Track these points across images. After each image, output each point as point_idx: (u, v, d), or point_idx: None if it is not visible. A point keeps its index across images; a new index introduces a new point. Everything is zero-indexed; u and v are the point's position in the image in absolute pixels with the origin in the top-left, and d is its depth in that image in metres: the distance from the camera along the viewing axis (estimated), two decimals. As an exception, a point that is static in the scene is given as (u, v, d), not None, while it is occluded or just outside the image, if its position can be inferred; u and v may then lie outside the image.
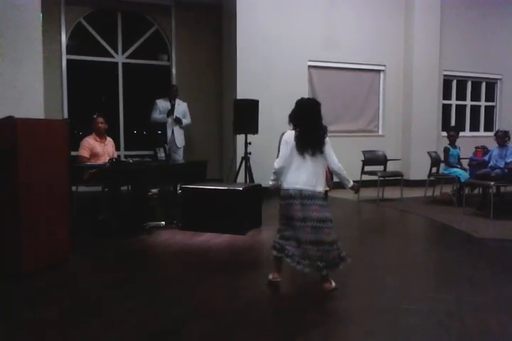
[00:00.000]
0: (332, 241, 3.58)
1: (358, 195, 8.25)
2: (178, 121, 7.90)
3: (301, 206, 3.56)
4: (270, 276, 3.81)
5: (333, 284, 3.68)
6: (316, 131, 3.65)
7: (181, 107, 8.12)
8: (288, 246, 3.65)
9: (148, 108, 8.08)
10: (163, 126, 7.04)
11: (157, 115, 7.89)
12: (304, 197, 3.56)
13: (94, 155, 6.22)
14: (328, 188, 5.06)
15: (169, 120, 7.79)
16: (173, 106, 7.98)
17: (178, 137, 7.99)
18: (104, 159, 6.16)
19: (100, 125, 6.36)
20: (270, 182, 3.78)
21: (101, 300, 3.48)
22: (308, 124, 3.64)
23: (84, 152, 6.16)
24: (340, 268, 3.63)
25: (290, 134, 3.67)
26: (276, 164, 3.68)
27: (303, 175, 3.59)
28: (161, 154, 7.03)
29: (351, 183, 3.77)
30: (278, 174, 3.69)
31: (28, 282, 3.80)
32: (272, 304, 3.50)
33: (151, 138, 6.74)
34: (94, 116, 6.45)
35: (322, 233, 3.55)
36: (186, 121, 8.10)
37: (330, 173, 5.17)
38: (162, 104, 7.96)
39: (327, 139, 3.67)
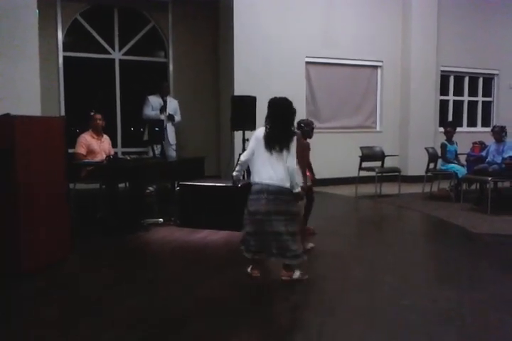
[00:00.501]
0: (292, 232, 3.73)
1: (355, 191, 8.29)
2: (171, 118, 7.92)
3: (267, 201, 3.71)
4: (248, 270, 3.90)
5: (297, 274, 3.78)
6: (284, 129, 3.78)
7: (172, 104, 8.14)
8: (252, 241, 3.81)
9: (143, 103, 8.05)
10: (160, 123, 7.02)
11: (150, 111, 7.89)
12: (270, 192, 3.71)
13: (90, 152, 6.20)
14: (309, 182, 5.01)
15: (162, 116, 7.78)
16: (165, 102, 7.98)
17: (171, 134, 8.02)
18: (100, 156, 6.14)
19: (98, 122, 6.35)
20: (234, 173, 4.03)
21: (100, 300, 3.48)
22: (277, 123, 3.78)
23: (81, 149, 6.14)
24: (297, 263, 3.77)
25: (261, 131, 3.86)
26: (243, 156, 3.91)
27: (270, 171, 3.73)
28: (158, 151, 7.04)
29: (298, 190, 3.83)
30: (242, 166, 3.99)
31: (28, 282, 3.80)
32: (271, 302, 3.50)
33: (149, 135, 6.71)
34: (92, 113, 6.43)
35: (282, 225, 3.70)
36: (177, 118, 8.14)
37: (309, 167, 5.15)
38: (154, 100, 7.97)
39: (294, 139, 3.81)
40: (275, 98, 3.90)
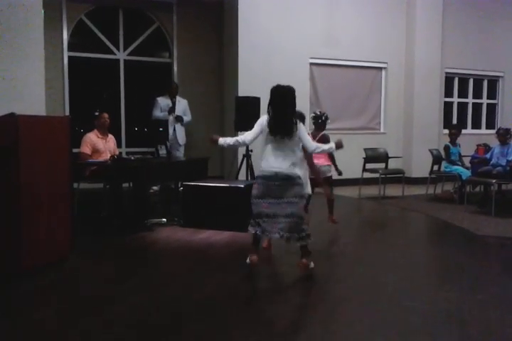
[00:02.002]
0: (299, 216, 3.84)
1: (359, 193, 8.27)
2: (179, 120, 7.91)
3: (278, 186, 3.80)
4: (248, 259, 3.90)
5: (312, 264, 3.88)
6: (285, 117, 3.83)
7: (182, 104, 8.12)
8: (262, 222, 3.85)
9: (150, 105, 8.08)
10: (165, 123, 7.03)
11: (158, 113, 7.89)
12: (279, 178, 3.79)
13: (95, 151, 6.21)
14: (316, 174, 5.09)
15: (170, 118, 7.78)
16: (174, 103, 7.98)
17: (180, 134, 8.01)
18: (105, 156, 6.16)
19: (106, 120, 6.36)
20: (221, 141, 4.05)
21: (101, 299, 3.47)
22: (277, 110, 3.86)
23: (85, 148, 6.15)
24: (308, 242, 3.86)
25: (264, 118, 3.93)
26: (244, 137, 3.96)
27: (278, 158, 3.82)
28: (163, 151, 7.05)
29: (333, 146, 4.06)
30: (237, 145, 4.11)
31: (29, 280, 3.80)
32: (273, 303, 3.50)
33: (152, 135, 6.72)
34: (96, 113, 6.45)
35: (295, 207, 3.82)
36: (187, 118, 8.11)
37: (310, 159, 5.19)
38: (163, 101, 7.97)
39: (300, 125, 3.87)
40: (277, 85, 3.98)
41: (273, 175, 3.80)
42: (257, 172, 3.99)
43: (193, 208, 5.75)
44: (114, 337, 2.88)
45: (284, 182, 3.79)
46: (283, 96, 3.90)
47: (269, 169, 3.82)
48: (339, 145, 4.15)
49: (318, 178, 5.09)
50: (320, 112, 5.66)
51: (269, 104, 3.93)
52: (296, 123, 3.84)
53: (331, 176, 5.60)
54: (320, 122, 5.53)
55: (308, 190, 4.75)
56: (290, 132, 3.80)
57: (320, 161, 5.29)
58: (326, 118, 5.60)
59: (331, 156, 5.49)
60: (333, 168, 5.60)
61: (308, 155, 4.73)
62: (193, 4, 9.36)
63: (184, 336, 2.90)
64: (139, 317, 3.15)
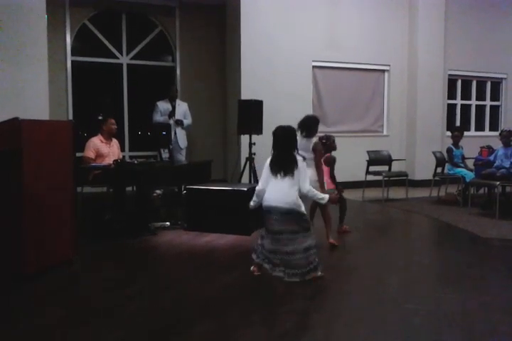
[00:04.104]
0: (307, 247, 3.86)
1: (362, 195, 8.26)
2: (179, 123, 7.90)
3: (276, 221, 3.87)
4: (252, 269, 4.07)
5: (319, 272, 3.92)
6: (287, 156, 3.98)
7: (182, 108, 8.12)
8: (267, 253, 3.95)
9: (153, 109, 8.09)
10: (167, 127, 7.04)
11: (159, 117, 7.88)
12: (278, 213, 3.86)
13: (99, 155, 6.23)
14: (335, 192, 5.12)
15: (171, 121, 7.79)
16: (173, 107, 7.98)
17: (181, 138, 8.01)
18: (109, 160, 6.17)
19: (113, 126, 6.37)
20: (251, 203, 4.13)
21: (103, 302, 3.48)
22: (279, 150, 4.02)
23: (89, 153, 6.17)
24: (317, 274, 3.91)
25: (269, 159, 4.08)
26: (258, 186, 4.08)
27: (277, 194, 3.89)
28: (166, 155, 7.06)
29: (326, 198, 4.09)
30: (258, 196, 4.05)
31: (31, 283, 3.81)
32: (277, 305, 3.49)
33: (155, 139, 6.74)
34: (100, 118, 6.46)
35: (296, 243, 3.84)
36: (187, 121, 8.11)
37: (331, 177, 5.38)
38: (163, 105, 7.96)
39: (301, 164, 3.96)
40: (277, 127, 4.08)
41: (272, 210, 3.87)
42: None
43: (197, 211, 5.76)
44: (118, 339, 2.87)
45: (283, 216, 3.84)
46: (282, 137, 4.02)
47: (269, 203, 3.90)
48: (333, 201, 4.35)
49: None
50: (325, 136, 5.61)
51: (272, 145, 4.07)
52: (296, 163, 3.93)
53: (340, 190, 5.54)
54: (324, 144, 5.52)
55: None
56: (290, 171, 3.90)
57: (326, 181, 5.22)
58: (328, 140, 5.51)
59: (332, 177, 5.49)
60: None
61: (319, 172, 4.94)
62: (195, 8, 9.40)
63: (188, 337, 2.90)
64: (142, 320, 3.14)
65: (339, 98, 9.82)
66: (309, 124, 5.05)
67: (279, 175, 3.92)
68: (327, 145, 5.45)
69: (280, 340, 2.91)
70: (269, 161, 4.04)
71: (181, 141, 8.01)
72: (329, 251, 4.89)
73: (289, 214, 3.84)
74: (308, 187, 3.95)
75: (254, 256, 4.03)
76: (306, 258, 3.85)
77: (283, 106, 8.48)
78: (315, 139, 5.10)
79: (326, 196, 4.12)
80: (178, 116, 7.94)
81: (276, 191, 3.90)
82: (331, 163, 5.49)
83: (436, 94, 10.35)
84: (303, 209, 3.92)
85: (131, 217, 5.69)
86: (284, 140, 4.02)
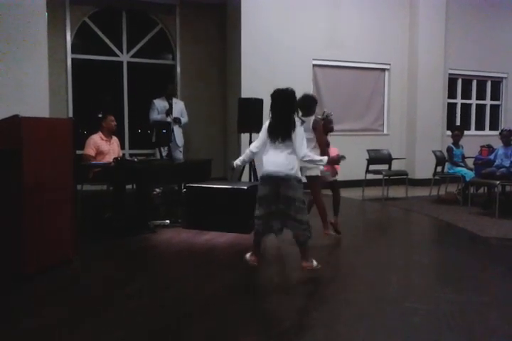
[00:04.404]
0: (299, 220, 3.82)
1: (362, 194, 8.26)
2: (177, 121, 7.88)
3: (275, 186, 3.81)
4: (247, 256, 4.03)
5: (315, 264, 3.91)
6: (285, 120, 3.85)
7: (178, 106, 8.11)
8: (261, 224, 3.91)
9: (149, 107, 8.05)
10: (167, 125, 7.03)
11: (156, 115, 7.85)
12: (275, 178, 3.80)
13: (99, 153, 6.22)
14: (333, 177, 5.09)
15: (168, 119, 7.77)
16: (170, 105, 7.96)
17: (178, 136, 8.00)
18: (109, 158, 6.16)
19: (112, 123, 6.36)
20: (237, 162, 4.09)
21: (103, 301, 3.48)
22: (276, 114, 3.90)
23: (90, 150, 6.16)
24: (304, 244, 3.90)
25: (267, 123, 3.96)
26: (253, 148, 4.00)
27: (275, 159, 3.82)
28: (165, 153, 7.06)
29: (325, 160, 3.95)
30: (248, 156, 4.05)
31: (31, 283, 3.80)
32: (276, 303, 3.50)
33: (156, 137, 6.73)
34: (100, 115, 6.45)
35: (291, 209, 3.82)
36: (184, 119, 8.10)
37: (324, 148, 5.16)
38: (159, 103, 7.93)
39: (297, 129, 3.84)
40: (276, 90, 3.99)
41: (270, 176, 3.82)
42: (260, 174, 3.99)
43: (196, 210, 5.76)
44: (117, 338, 2.87)
45: (281, 182, 3.79)
46: (280, 100, 3.93)
47: (267, 168, 3.85)
48: (334, 161, 4.16)
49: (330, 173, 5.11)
50: (320, 116, 5.39)
51: (270, 108, 3.97)
52: (294, 126, 3.84)
53: (335, 180, 5.47)
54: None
55: (316, 171, 4.79)
56: (288, 134, 3.81)
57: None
58: (325, 120, 5.30)
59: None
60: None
61: (323, 150, 4.82)
62: (195, 6, 9.39)
63: (186, 338, 2.90)
64: (141, 319, 3.14)
65: (339, 97, 9.82)
66: (308, 104, 4.92)
67: (277, 141, 3.83)
68: (324, 123, 5.25)
69: (280, 339, 2.91)
70: (267, 125, 3.92)
71: (179, 139, 8.01)
72: (329, 250, 4.88)
73: (288, 180, 3.78)
74: (304, 152, 3.83)
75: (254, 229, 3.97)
76: (296, 229, 3.85)
77: (283, 104, 8.46)
78: (313, 117, 4.95)
79: (325, 158, 3.99)
80: (175, 114, 7.91)
81: (275, 157, 3.83)
82: (328, 145, 5.29)
83: (437, 93, 10.34)
84: (300, 175, 3.88)
85: (130, 215, 5.69)
86: (283, 103, 3.90)
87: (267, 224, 3.91)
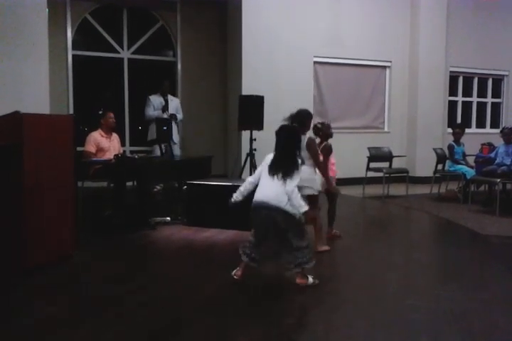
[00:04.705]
0: (298, 247, 3.66)
1: (363, 192, 8.26)
2: (173, 118, 7.86)
3: (265, 216, 3.65)
4: (233, 272, 3.82)
5: (310, 280, 3.72)
6: (288, 158, 3.74)
7: (174, 103, 8.09)
8: (253, 250, 3.75)
9: (145, 103, 8.02)
10: (168, 122, 7.02)
11: (152, 111, 7.82)
12: (266, 208, 3.64)
13: (100, 150, 6.22)
14: (331, 185, 5.03)
15: (164, 116, 7.74)
16: (166, 101, 7.94)
17: (175, 132, 7.99)
18: (110, 154, 6.16)
19: (110, 120, 6.35)
20: (236, 197, 3.89)
21: (102, 298, 3.47)
22: (280, 151, 3.78)
23: (90, 147, 6.16)
24: (292, 272, 3.72)
25: (270, 156, 3.83)
26: (250, 178, 3.92)
27: (268, 191, 3.68)
28: (166, 150, 7.05)
29: (303, 208, 3.67)
30: (245, 187, 3.87)
31: (31, 279, 3.80)
32: (276, 301, 3.49)
33: (156, 134, 6.72)
34: (100, 112, 6.44)
35: (283, 240, 3.67)
36: (180, 116, 8.09)
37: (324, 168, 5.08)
38: (155, 99, 7.89)
39: (299, 168, 3.72)
40: (281, 127, 3.89)
41: (260, 205, 3.67)
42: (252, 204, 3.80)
43: (197, 207, 5.76)
44: (115, 336, 2.87)
45: (272, 212, 3.63)
46: (284, 139, 3.80)
47: (259, 199, 3.70)
48: (309, 218, 4.07)
49: (331, 188, 4.96)
50: (317, 123, 5.33)
51: (275, 144, 3.85)
52: (298, 166, 3.72)
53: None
54: (317, 130, 5.27)
55: (318, 186, 4.67)
56: (289, 175, 3.67)
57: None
58: (324, 126, 5.21)
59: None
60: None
61: (320, 169, 4.70)
62: (196, 3, 9.36)
63: (187, 335, 2.89)
64: (141, 317, 3.13)
65: (340, 94, 9.81)
66: (301, 119, 4.53)
67: (276, 177, 3.69)
68: (322, 131, 5.14)
69: (280, 337, 2.91)
70: (270, 161, 3.79)
71: (175, 136, 7.99)
72: (329, 246, 4.87)
73: (277, 210, 3.62)
74: (292, 187, 3.65)
75: (243, 258, 3.78)
76: (294, 257, 3.67)
77: (284, 101, 8.43)
78: (308, 136, 4.67)
79: (305, 207, 3.70)
80: (170, 110, 7.87)
81: (267, 189, 3.69)
82: (328, 152, 5.12)
83: (438, 91, 10.33)
84: (292, 209, 3.64)
85: (131, 211, 5.69)
86: (287, 141, 3.80)
87: (259, 252, 3.75)
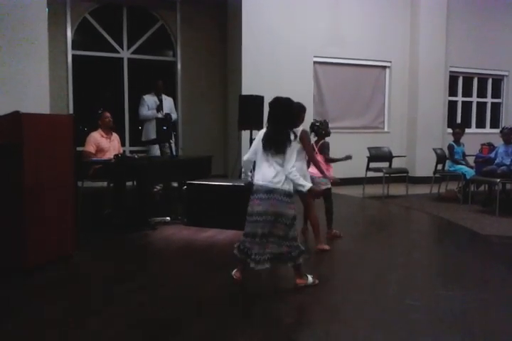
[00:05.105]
0: (284, 236, 3.60)
1: (363, 192, 8.26)
2: (168, 117, 7.83)
3: (261, 200, 3.60)
4: (233, 273, 3.78)
5: (310, 280, 3.70)
6: (281, 133, 3.62)
7: (168, 102, 8.07)
8: (247, 243, 3.67)
9: (139, 103, 7.98)
10: (167, 121, 7.01)
11: (146, 111, 7.80)
12: (264, 191, 3.59)
13: (100, 150, 6.22)
14: (327, 181, 5.02)
15: (159, 115, 7.73)
16: (161, 101, 7.92)
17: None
18: (109, 154, 6.16)
19: (106, 119, 6.35)
20: (242, 175, 3.97)
21: (102, 298, 3.47)
22: (272, 125, 3.67)
23: (90, 147, 6.16)
24: (290, 265, 3.66)
25: (263, 131, 3.73)
26: (244, 156, 3.88)
27: (265, 172, 3.62)
28: (167, 150, 7.06)
29: (307, 186, 3.69)
30: (244, 166, 3.97)
31: (31, 278, 3.81)
32: (276, 301, 3.49)
33: (156, 134, 6.72)
34: (99, 112, 6.45)
35: (275, 227, 3.60)
36: (174, 116, 8.06)
37: (327, 164, 5.11)
38: (149, 99, 7.86)
39: (293, 143, 3.65)
40: (275, 98, 3.75)
41: (257, 188, 3.62)
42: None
43: (197, 207, 5.76)
44: (115, 336, 2.87)
45: (268, 196, 3.58)
46: (278, 111, 3.67)
47: (255, 182, 3.65)
48: (314, 193, 4.13)
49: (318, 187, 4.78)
50: (315, 120, 5.34)
51: (267, 117, 3.75)
52: (290, 141, 3.62)
53: (328, 189, 5.19)
54: (315, 129, 5.27)
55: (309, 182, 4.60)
56: (282, 150, 3.58)
57: (314, 171, 4.86)
58: (322, 124, 5.21)
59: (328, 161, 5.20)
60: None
61: (314, 162, 4.71)
62: (196, 3, 9.36)
63: (186, 335, 2.89)
64: (141, 316, 3.14)
65: (340, 94, 9.81)
66: (295, 112, 4.33)
67: (269, 152, 3.61)
68: (320, 129, 5.13)
69: (280, 337, 2.91)
70: (263, 135, 3.66)
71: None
72: (329, 246, 4.87)
73: (272, 193, 3.56)
74: (290, 168, 3.59)
75: (236, 252, 3.73)
76: (282, 246, 3.59)
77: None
78: (301, 128, 4.60)
79: (308, 184, 3.75)
80: (164, 110, 7.86)
81: (263, 169, 3.62)
82: (325, 149, 5.13)
83: (438, 91, 10.33)
84: (289, 187, 3.61)
85: (131, 211, 5.69)
86: (281, 114, 3.65)
87: (253, 244, 3.64)
